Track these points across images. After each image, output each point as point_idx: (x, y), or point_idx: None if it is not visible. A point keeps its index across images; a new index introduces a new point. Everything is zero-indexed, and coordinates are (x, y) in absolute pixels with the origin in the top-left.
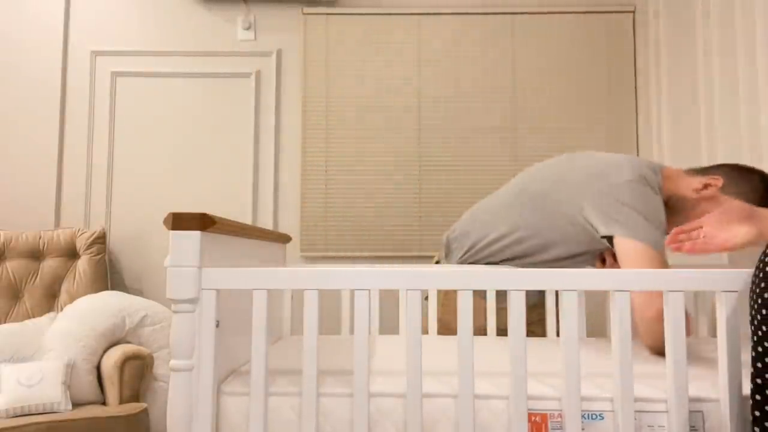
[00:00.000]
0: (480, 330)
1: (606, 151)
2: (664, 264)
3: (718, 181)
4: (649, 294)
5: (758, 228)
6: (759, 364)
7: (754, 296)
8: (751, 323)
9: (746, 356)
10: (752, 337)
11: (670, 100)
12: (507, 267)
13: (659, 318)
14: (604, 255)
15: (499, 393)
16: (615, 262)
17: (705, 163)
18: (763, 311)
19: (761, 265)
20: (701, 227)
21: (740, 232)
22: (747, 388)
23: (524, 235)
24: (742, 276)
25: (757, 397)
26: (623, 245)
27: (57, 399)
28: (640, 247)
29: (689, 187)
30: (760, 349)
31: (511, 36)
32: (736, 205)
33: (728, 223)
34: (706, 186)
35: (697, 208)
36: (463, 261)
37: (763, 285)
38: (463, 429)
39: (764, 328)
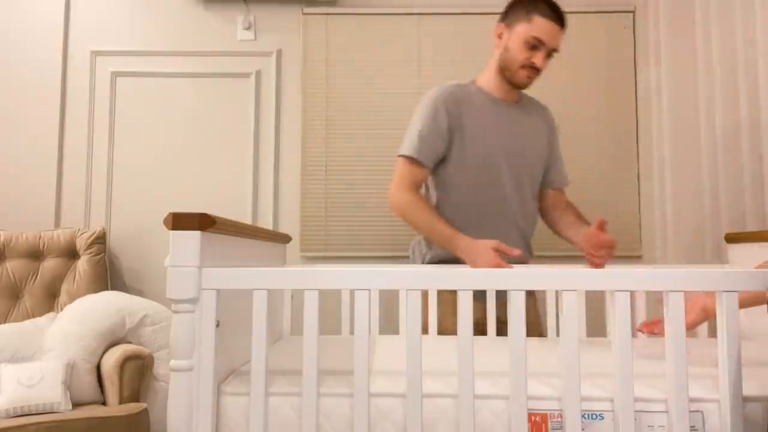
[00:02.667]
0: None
1: (606, 151)
2: (411, 175)
3: (500, 25)
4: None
5: (703, 315)
6: None
7: None
8: None
9: (746, 356)
10: None
11: (670, 100)
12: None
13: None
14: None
15: (499, 393)
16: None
17: (705, 166)
18: None
19: None
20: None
21: (691, 319)
22: (747, 388)
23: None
24: (742, 276)
25: None
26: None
27: (57, 399)
28: (399, 160)
29: (495, 55)
30: None
31: None
32: (688, 305)
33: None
34: (499, 36)
35: (510, 51)
36: None
37: None
38: (463, 429)
39: None
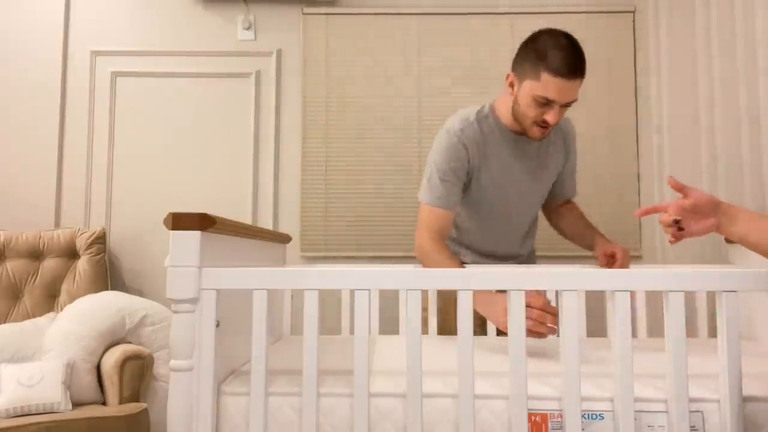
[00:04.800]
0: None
1: (605, 151)
2: (437, 222)
3: (511, 74)
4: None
5: (718, 221)
6: None
7: None
8: None
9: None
10: None
11: (670, 100)
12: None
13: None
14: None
15: (499, 393)
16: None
17: (705, 164)
18: None
19: None
20: (679, 219)
21: (706, 225)
22: (747, 388)
23: None
24: (742, 276)
25: None
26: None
27: (57, 399)
28: (422, 208)
29: (508, 96)
30: None
31: (511, 36)
32: (704, 199)
33: (698, 215)
34: (510, 85)
35: (520, 105)
36: None
37: None
38: (463, 429)
39: None
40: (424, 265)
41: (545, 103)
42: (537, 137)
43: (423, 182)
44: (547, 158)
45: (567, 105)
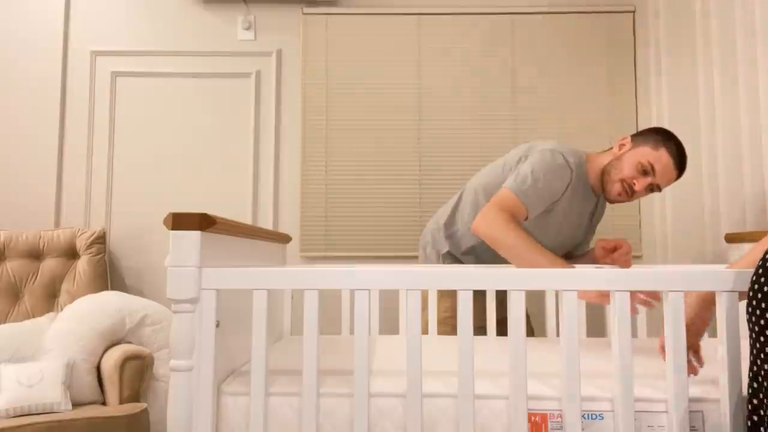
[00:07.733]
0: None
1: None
2: (514, 210)
3: (627, 138)
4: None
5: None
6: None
7: (754, 293)
8: (751, 321)
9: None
10: (752, 341)
11: (670, 100)
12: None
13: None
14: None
15: (499, 393)
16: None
17: (705, 164)
18: (763, 305)
19: (762, 263)
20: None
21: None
22: (747, 388)
23: None
24: (742, 276)
25: (754, 401)
26: (500, 191)
27: (57, 399)
28: (506, 192)
29: (609, 154)
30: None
31: (511, 36)
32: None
33: None
34: (621, 146)
35: (622, 162)
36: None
37: (762, 280)
38: (463, 429)
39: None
40: (493, 240)
41: (645, 173)
42: (612, 196)
43: (515, 176)
44: (593, 218)
45: (651, 188)
